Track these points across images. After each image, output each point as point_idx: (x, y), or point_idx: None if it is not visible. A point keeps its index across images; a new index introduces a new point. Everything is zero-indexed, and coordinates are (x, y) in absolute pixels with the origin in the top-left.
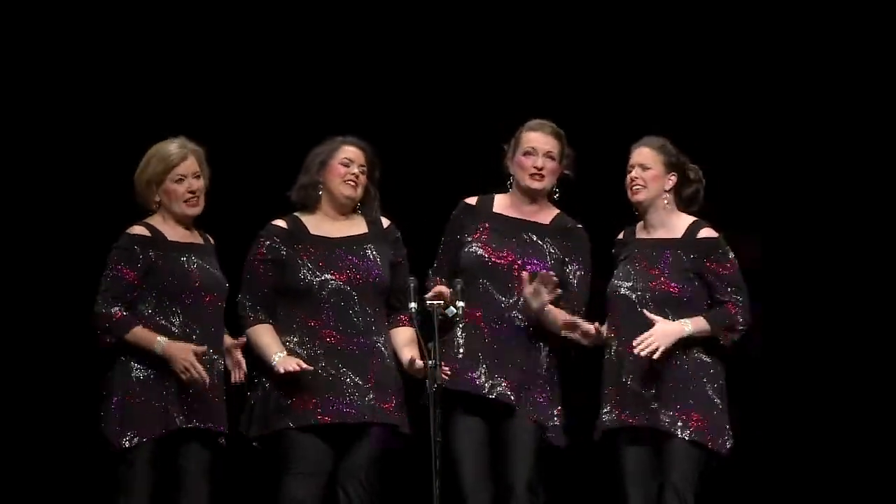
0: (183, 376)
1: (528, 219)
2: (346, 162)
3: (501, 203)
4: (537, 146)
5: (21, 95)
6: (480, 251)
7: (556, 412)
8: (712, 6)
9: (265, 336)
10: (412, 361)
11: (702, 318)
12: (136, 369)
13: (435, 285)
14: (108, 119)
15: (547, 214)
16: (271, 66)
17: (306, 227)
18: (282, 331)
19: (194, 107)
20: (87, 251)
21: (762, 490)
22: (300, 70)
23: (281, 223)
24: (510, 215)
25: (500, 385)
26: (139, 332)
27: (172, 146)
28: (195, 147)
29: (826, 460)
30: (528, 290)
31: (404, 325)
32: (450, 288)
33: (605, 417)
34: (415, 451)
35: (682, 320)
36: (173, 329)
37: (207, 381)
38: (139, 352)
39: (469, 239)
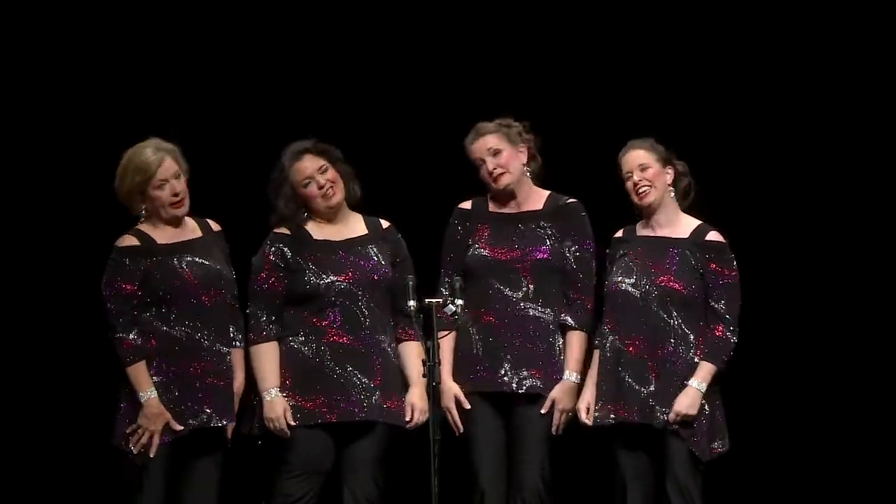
0: (138, 431)
1: (521, 210)
2: (307, 181)
3: (494, 203)
4: (480, 154)
5: (19, 99)
6: (484, 252)
7: None
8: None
9: (265, 362)
10: (412, 407)
11: (705, 364)
12: None
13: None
14: (107, 121)
15: (538, 199)
16: (268, 70)
17: (309, 234)
18: (288, 330)
19: (191, 107)
20: (93, 254)
21: (756, 489)
22: (297, 72)
23: (284, 230)
24: (505, 211)
25: (528, 378)
26: (138, 371)
27: (147, 152)
28: (170, 147)
29: (819, 459)
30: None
31: (410, 340)
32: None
33: (599, 412)
34: (414, 451)
35: (693, 381)
36: (177, 335)
37: (152, 451)
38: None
39: (471, 242)
